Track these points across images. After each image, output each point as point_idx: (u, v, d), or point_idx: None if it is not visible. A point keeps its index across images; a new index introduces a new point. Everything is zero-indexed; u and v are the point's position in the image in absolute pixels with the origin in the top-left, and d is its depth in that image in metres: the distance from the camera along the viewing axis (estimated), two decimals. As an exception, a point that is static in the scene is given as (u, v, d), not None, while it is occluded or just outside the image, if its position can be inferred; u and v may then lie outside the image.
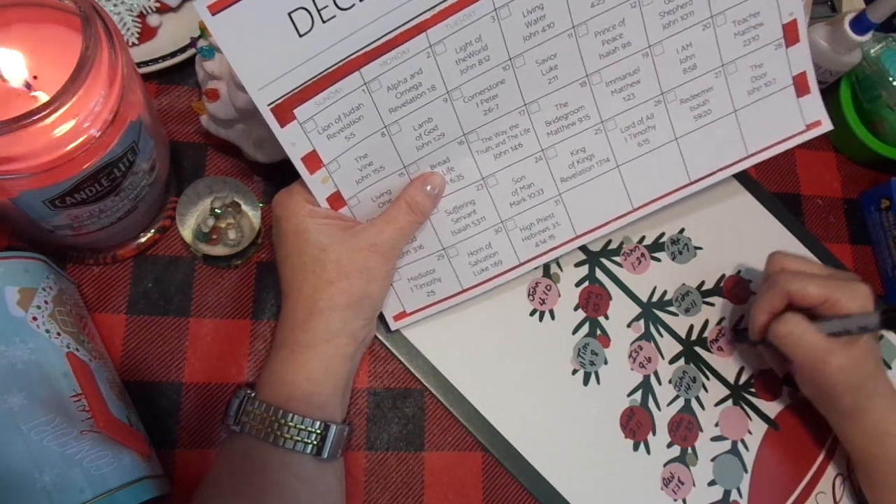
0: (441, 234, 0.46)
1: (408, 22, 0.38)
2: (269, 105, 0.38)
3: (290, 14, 0.36)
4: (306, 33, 0.37)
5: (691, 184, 0.48)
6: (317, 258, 0.40)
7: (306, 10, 0.36)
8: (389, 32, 0.38)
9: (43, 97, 0.36)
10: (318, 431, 0.38)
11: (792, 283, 0.46)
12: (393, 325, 0.48)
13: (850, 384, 0.45)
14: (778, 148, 0.48)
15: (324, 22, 0.37)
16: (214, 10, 0.35)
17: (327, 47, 0.38)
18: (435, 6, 0.38)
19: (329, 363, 0.40)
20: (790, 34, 0.46)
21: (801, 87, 0.47)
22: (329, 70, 0.38)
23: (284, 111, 0.39)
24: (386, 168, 0.43)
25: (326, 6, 0.36)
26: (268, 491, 0.37)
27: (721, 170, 0.48)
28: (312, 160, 0.41)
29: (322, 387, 0.40)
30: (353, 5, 0.37)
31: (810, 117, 0.48)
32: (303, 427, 0.38)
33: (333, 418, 0.40)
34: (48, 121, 0.31)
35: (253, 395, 0.40)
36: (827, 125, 0.48)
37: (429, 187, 0.43)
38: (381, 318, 0.48)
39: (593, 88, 0.44)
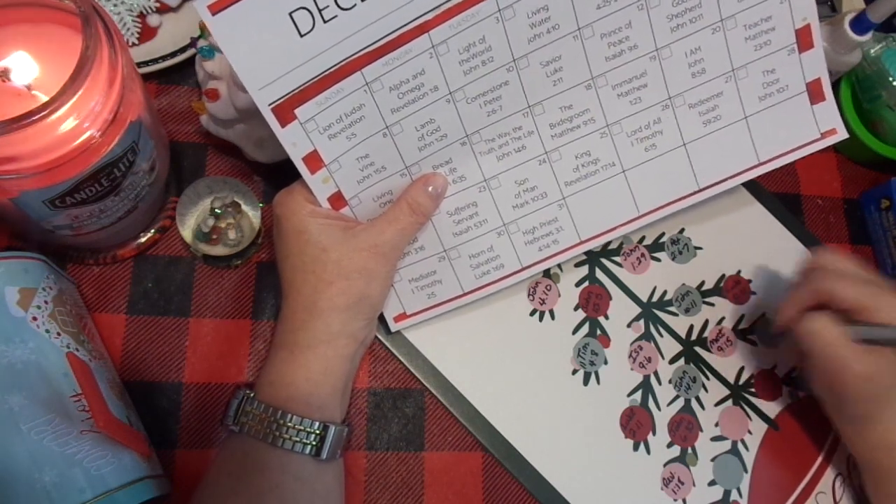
0: (442, 235, 0.45)
1: (410, 22, 0.38)
2: (269, 105, 0.38)
3: (290, 14, 0.36)
4: (307, 33, 0.37)
5: (700, 191, 0.47)
6: (317, 258, 0.40)
7: (307, 9, 0.36)
8: (391, 33, 0.38)
9: (43, 97, 0.36)
10: (317, 432, 0.38)
11: (824, 282, 0.44)
12: (393, 327, 0.48)
13: (866, 393, 0.43)
14: (791, 156, 0.47)
15: (325, 22, 0.37)
16: (215, 9, 0.35)
17: (329, 47, 0.37)
18: (438, 6, 0.38)
19: (328, 364, 0.40)
20: (803, 39, 0.45)
21: (815, 93, 0.46)
22: (330, 70, 0.38)
23: (285, 111, 0.39)
24: (388, 168, 0.42)
25: (328, 6, 0.36)
26: (266, 491, 0.37)
27: (731, 177, 0.47)
28: (313, 160, 0.41)
29: (321, 387, 0.40)
30: (355, 5, 0.37)
31: (825, 125, 0.47)
32: (301, 428, 0.38)
33: (332, 419, 0.40)
34: (48, 121, 0.31)
35: (252, 395, 0.40)
36: (842, 133, 0.47)
37: (431, 188, 0.43)
38: (382, 318, 0.48)
39: (599, 91, 0.43)
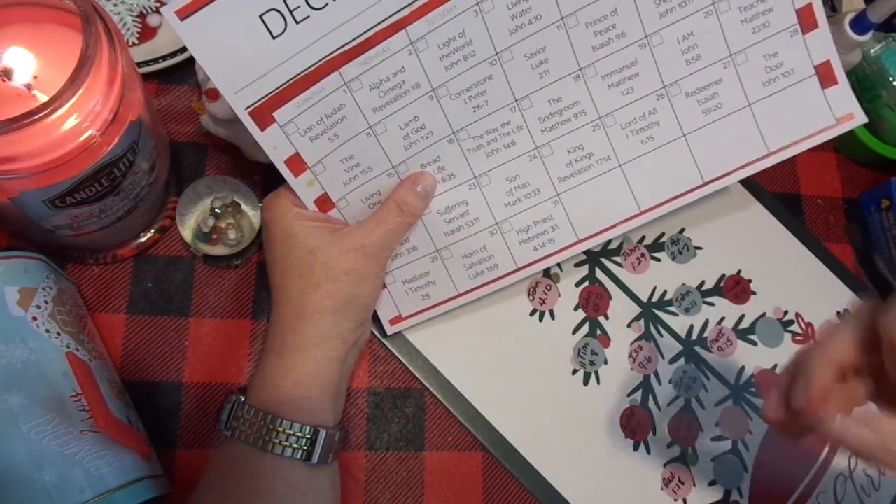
0: (434, 235, 0.45)
1: (385, 19, 0.38)
2: (246, 109, 0.38)
3: (261, 16, 0.36)
4: (280, 35, 0.36)
5: (705, 184, 0.45)
6: (304, 261, 0.40)
7: (278, 11, 0.36)
8: (367, 31, 0.38)
9: (43, 97, 0.36)
10: (308, 437, 0.38)
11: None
12: (389, 330, 0.47)
13: None
14: (805, 144, 0.44)
15: (297, 23, 0.36)
16: (183, 14, 0.35)
17: (303, 48, 0.37)
18: (413, 2, 0.37)
19: (318, 367, 0.40)
20: (806, 20, 0.42)
21: (825, 77, 0.43)
22: (307, 71, 0.38)
23: (263, 114, 0.38)
24: (374, 169, 0.42)
25: (299, 6, 0.36)
26: (258, 496, 0.37)
27: (738, 169, 0.44)
28: (296, 163, 0.40)
29: (311, 391, 0.40)
30: (327, 5, 0.36)
31: (840, 110, 0.44)
32: (292, 432, 0.37)
33: (324, 423, 0.39)
34: (48, 121, 0.31)
35: (243, 400, 0.39)
36: (861, 118, 0.44)
37: (419, 187, 0.42)
38: (379, 320, 0.48)
39: (588, 82, 0.42)
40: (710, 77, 0.43)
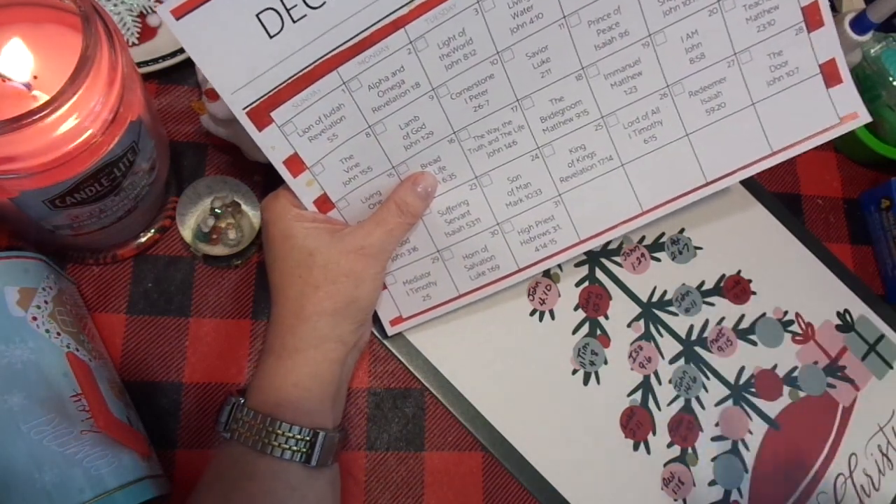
0: (434, 235, 0.45)
1: (384, 18, 0.37)
2: (244, 109, 0.38)
3: (258, 15, 0.36)
4: (277, 34, 0.36)
5: (708, 184, 0.44)
6: (303, 263, 0.40)
7: (275, 10, 0.36)
8: (365, 30, 0.37)
9: (43, 97, 0.36)
10: (307, 439, 0.38)
11: None
12: (390, 330, 0.47)
13: None
14: (809, 143, 0.44)
15: (294, 22, 0.36)
16: (178, 14, 0.35)
17: (300, 47, 0.37)
18: (411, 1, 0.37)
19: (317, 369, 0.40)
20: (812, 18, 0.42)
21: (830, 75, 0.43)
22: (305, 70, 0.38)
23: (261, 114, 0.38)
24: (374, 169, 0.42)
25: (296, 5, 0.36)
26: (257, 498, 0.37)
27: (742, 168, 0.44)
28: (294, 163, 0.40)
29: (310, 393, 0.39)
30: (324, 3, 0.36)
31: (844, 109, 0.44)
32: (291, 435, 0.37)
33: (323, 425, 0.39)
34: (48, 121, 0.31)
35: (243, 401, 0.39)
36: (865, 117, 0.44)
37: (420, 188, 0.42)
38: (380, 320, 0.48)
39: (590, 81, 0.42)
40: (714, 76, 0.43)
